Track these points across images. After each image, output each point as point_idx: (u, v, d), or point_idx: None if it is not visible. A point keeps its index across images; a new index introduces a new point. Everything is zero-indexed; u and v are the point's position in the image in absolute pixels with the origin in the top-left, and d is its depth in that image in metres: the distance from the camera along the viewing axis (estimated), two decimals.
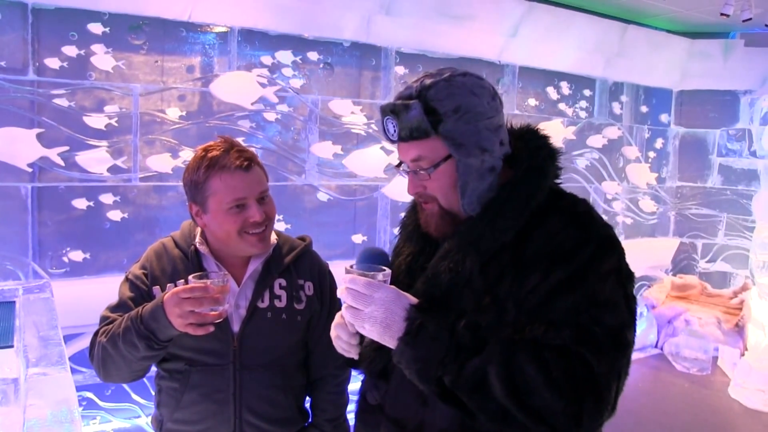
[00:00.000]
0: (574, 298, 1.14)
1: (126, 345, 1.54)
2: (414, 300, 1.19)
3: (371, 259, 1.31)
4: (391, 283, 1.26)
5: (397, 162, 1.37)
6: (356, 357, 1.34)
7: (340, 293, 1.19)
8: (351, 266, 1.24)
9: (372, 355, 1.32)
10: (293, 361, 1.79)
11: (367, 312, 1.16)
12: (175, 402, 1.69)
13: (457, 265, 1.25)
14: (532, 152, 1.30)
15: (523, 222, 1.23)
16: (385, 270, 1.23)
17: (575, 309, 1.14)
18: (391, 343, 1.16)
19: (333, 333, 1.35)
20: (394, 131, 1.28)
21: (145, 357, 1.56)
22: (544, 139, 1.35)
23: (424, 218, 1.37)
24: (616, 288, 1.18)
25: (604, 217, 1.31)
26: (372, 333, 1.17)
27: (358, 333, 1.33)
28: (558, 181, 1.35)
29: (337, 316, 1.35)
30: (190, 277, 1.49)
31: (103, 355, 1.60)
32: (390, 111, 1.28)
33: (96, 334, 1.66)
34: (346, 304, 1.19)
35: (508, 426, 1.13)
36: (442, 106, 1.23)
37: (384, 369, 1.33)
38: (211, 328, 1.50)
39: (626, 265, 1.24)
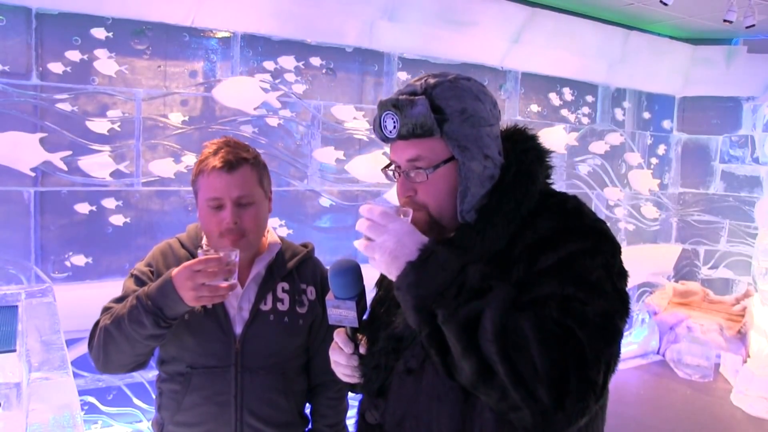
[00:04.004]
0: (561, 278, 1.09)
1: (132, 323, 1.54)
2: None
3: (345, 273, 1.24)
4: (377, 301, 1.22)
5: (386, 163, 1.30)
6: (359, 380, 1.33)
7: (358, 225, 1.14)
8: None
9: (369, 373, 1.30)
10: (295, 364, 1.80)
11: (379, 242, 1.11)
12: (176, 404, 1.70)
13: None
14: (520, 155, 1.26)
15: (514, 228, 1.19)
16: (409, 211, 1.19)
17: (561, 288, 1.09)
18: (396, 271, 1.10)
19: (331, 360, 1.34)
20: (394, 128, 1.22)
21: (150, 336, 1.55)
22: (532, 140, 1.31)
23: None
24: (604, 279, 1.12)
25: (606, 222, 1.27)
26: (380, 264, 1.12)
27: (355, 354, 1.32)
28: (549, 181, 1.31)
29: (333, 342, 1.35)
30: (199, 251, 1.51)
31: (105, 338, 1.60)
32: (392, 105, 1.21)
33: (97, 323, 1.66)
34: (362, 239, 1.14)
35: (486, 384, 1.06)
36: (449, 106, 1.20)
37: (381, 387, 1.31)
38: (226, 297, 1.54)
39: (619, 262, 1.18)
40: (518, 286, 1.12)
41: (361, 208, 1.15)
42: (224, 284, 1.50)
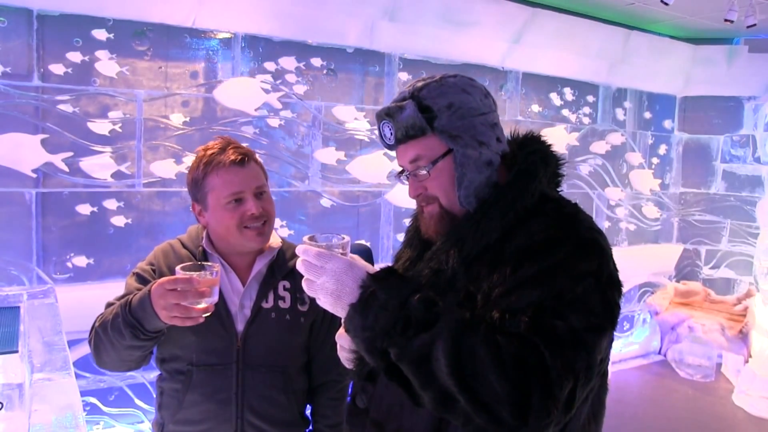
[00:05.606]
0: (540, 292, 1.10)
1: (113, 331, 1.54)
2: (371, 269, 1.16)
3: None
4: None
5: (398, 170, 1.37)
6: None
7: (298, 266, 1.16)
8: (310, 237, 1.19)
9: (360, 357, 1.31)
10: (296, 363, 1.80)
11: (319, 283, 1.13)
12: (178, 403, 1.70)
13: (440, 265, 1.24)
14: (526, 157, 1.30)
15: (507, 224, 1.22)
16: (343, 239, 1.19)
17: (538, 302, 1.10)
18: (342, 312, 1.13)
19: (337, 345, 1.35)
20: (391, 134, 1.30)
21: (131, 346, 1.55)
22: (541, 144, 1.35)
23: (425, 223, 1.37)
24: (591, 291, 1.12)
25: (606, 224, 1.28)
26: (326, 304, 1.15)
27: None
28: (559, 189, 1.35)
29: (340, 329, 1.36)
30: (177, 268, 1.46)
31: (95, 339, 1.62)
32: (385, 114, 1.30)
33: (96, 319, 1.67)
34: (304, 279, 1.16)
35: (449, 411, 1.09)
36: (435, 104, 1.26)
37: (371, 372, 1.32)
38: (201, 320, 1.47)
39: (610, 271, 1.18)
40: (499, 289, 1.15)
41: (297, 248, 1.16)
42: (198, 308, 1.44)
